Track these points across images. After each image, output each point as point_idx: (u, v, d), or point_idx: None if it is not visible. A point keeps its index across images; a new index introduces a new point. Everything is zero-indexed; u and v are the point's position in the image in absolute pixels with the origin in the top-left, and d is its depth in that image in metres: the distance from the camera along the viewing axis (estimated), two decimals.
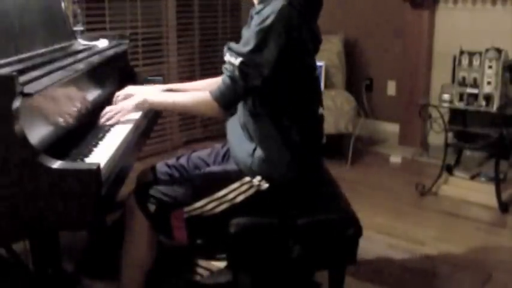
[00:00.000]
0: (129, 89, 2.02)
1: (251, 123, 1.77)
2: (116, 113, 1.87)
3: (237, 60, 1.67)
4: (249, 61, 1.66)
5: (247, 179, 1.76)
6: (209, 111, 1.77)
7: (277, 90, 1.72)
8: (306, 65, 1.77)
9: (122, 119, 1.88)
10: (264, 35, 1.64)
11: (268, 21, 1.63)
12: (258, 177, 1.75)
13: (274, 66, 1.65)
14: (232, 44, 1.72)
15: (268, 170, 1.75)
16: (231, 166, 1.84)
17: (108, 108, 1.90)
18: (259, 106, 1.75)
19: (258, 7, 1.73)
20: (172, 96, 1.88)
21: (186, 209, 1.75)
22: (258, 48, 1.65)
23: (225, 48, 1.75)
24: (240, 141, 1.81)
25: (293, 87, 1.74)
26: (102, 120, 1.86)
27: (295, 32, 1.67)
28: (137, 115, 1.95)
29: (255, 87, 1.68)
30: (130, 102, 1.89)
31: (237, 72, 1.67)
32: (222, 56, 1.77)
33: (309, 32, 1.74)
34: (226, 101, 1.72)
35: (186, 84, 2.14)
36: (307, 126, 1.80)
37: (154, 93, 1.94)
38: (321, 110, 1.86)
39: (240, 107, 1.82)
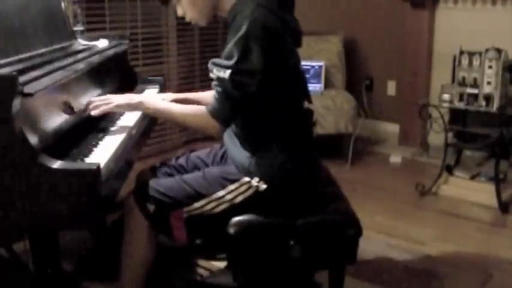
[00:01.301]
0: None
1: (242, 133, 1.78)
2: (104, 104, 1.82)
3: (227, 73, 1.65)
4: (238, 71, 1.64)
5: (246, 179, 1.76)
6: (208, 128, 1.74)
7: (264, 96, 1.70)
8: (289, 62, 1.75)
9: (108, 110, 1.82)
10: (244, 43, 1.62)
11: (244, 28, 1.62)
12: (256, 178, 1.75)
13: (263, 69, 1.64)
14: (216, 59, 1.71)
15: (265, 171, 1.75)
16: (229, 167, 1.84)
17: (94, 98, 1.87)
18: (247, 118, 1.75)
19: (229, 19, 1.73)
20: (170, 106, 1.85)
21: (186, 209, 1.75)
22: (243, 57, 1.63)
23: (210, 65, 1.73)
24: (236, 146, 1.82)
25: (279, 88, 1.73)
26: (89, 108, 1.81)
27: (272, 31, 1.65)
28: (137, 115, 1.95)
29: (251, 94, 1.67)
30: (121, 97, 1.86)
31: (229, 84, 1.66)
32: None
33: (286, 27, 1.72)
34: (225, 116, 1.71)
35: (196, 94, 2.12)
36: (297, 123, 1.80)
37: (153, 100, 1.89)
38: (306, 104, 1.86)
39: None
